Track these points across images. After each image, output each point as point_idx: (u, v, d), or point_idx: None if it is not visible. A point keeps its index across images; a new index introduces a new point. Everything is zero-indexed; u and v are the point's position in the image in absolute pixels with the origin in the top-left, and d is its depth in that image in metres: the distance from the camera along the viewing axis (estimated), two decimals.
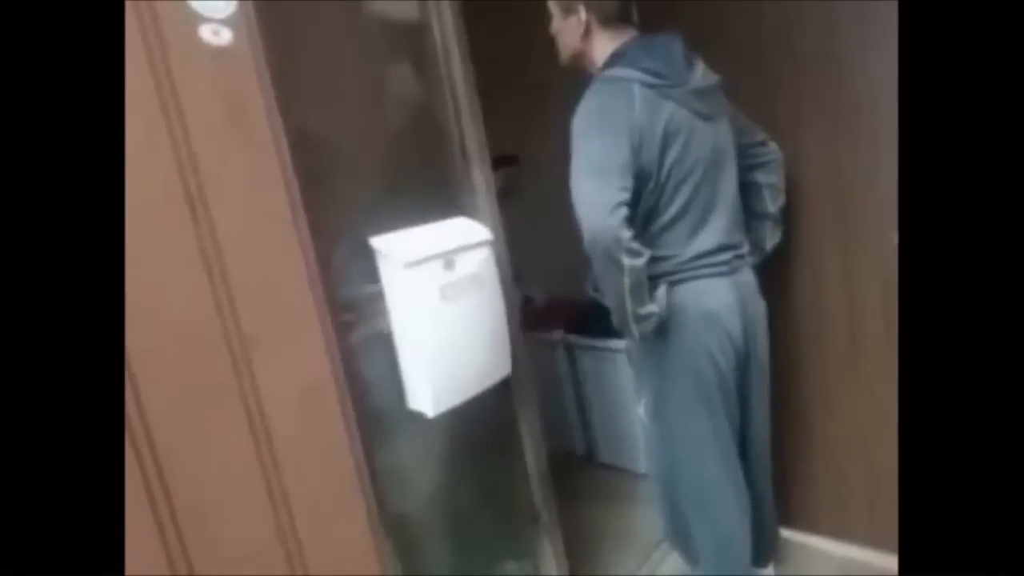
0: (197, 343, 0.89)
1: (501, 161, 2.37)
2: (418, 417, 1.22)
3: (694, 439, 1.41)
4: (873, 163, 1.51)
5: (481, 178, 1.39)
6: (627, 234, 1.20)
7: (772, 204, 1.52)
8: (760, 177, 1.51)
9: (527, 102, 2.44)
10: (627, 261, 1.20)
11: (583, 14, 1.34)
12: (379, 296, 1.19)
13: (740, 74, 1.49)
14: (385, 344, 1.21)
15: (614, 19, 1.35)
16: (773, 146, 1.51)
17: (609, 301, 1.29)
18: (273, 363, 0.96)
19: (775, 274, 1.63)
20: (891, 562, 1.68)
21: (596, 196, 1.20)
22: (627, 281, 1.22)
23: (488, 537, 1.50)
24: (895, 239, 1.42)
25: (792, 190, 1.58)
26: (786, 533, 1.86)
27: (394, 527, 1.18)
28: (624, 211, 1.20)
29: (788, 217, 1.60)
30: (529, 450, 1.51)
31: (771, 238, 1.55)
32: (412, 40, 1.34)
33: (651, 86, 1.26)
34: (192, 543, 0.89)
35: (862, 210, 1.55)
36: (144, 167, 0.83)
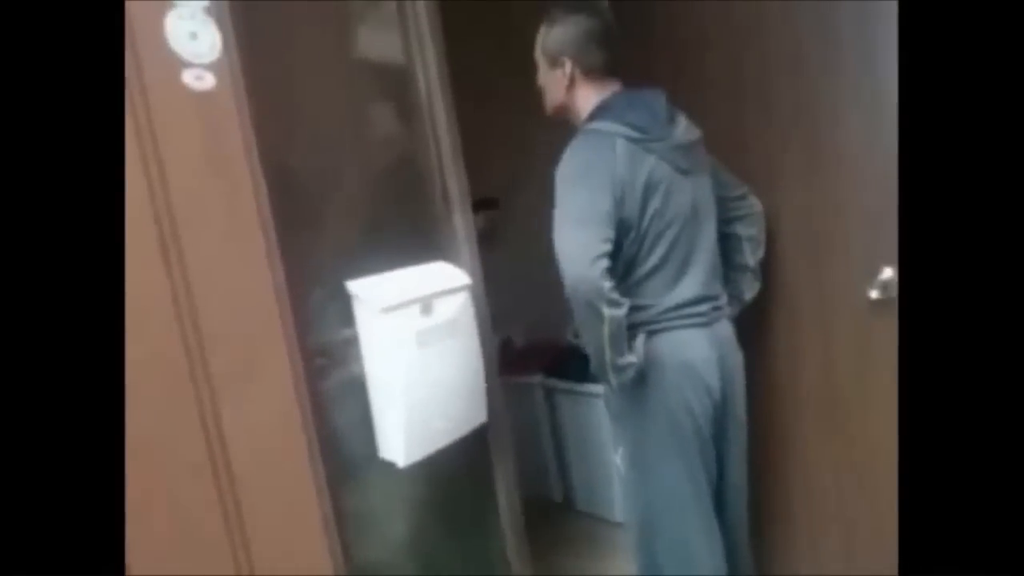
0: (163, 382, 0.87)
1: (482, 204, 2.39)
2: (389, 465, 1.20)
3: (671, 489, 1.40)
4: (847, 219, 1.54)
5: (462, 223, 1.39)
6: (608, 284, 1.21)
7: (751, 256, 1.54)
8: (740, 229, 1.53)
9: (510, 146, 2.48)
10: (607, 311, 1.20)
11: (568, 67, 1.37)
12: (354, 341, 1.18)
13: (718, 129, 1.52)
14: (358, 390, 1.19)
15: (599, 72, 1.38)
16: (753, 200, 1.54)
17: (588, 350, 1.29)
18: (240, 406, 0.94)
19: (752, 324, 1.65)
20: None
21: (578, 246, 1.21)
22: (607, 331, 1.22)
23: None
24: (872, 294, 1.45)
25: (769, 244, 1.60)
26: None
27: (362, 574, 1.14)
28: (605, 262, 1.21)
29: (765, 270, 1.62)
30: (503, 500, 1.48)
31: (749, 290, 1.56)
32: (396, 85, 1.35)
33: (634, 140, 1.28)
34: None
35: (837, 265, 1.58)
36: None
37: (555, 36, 1.38)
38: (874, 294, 1.45)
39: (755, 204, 1.54)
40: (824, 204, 1.57)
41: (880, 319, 1.46)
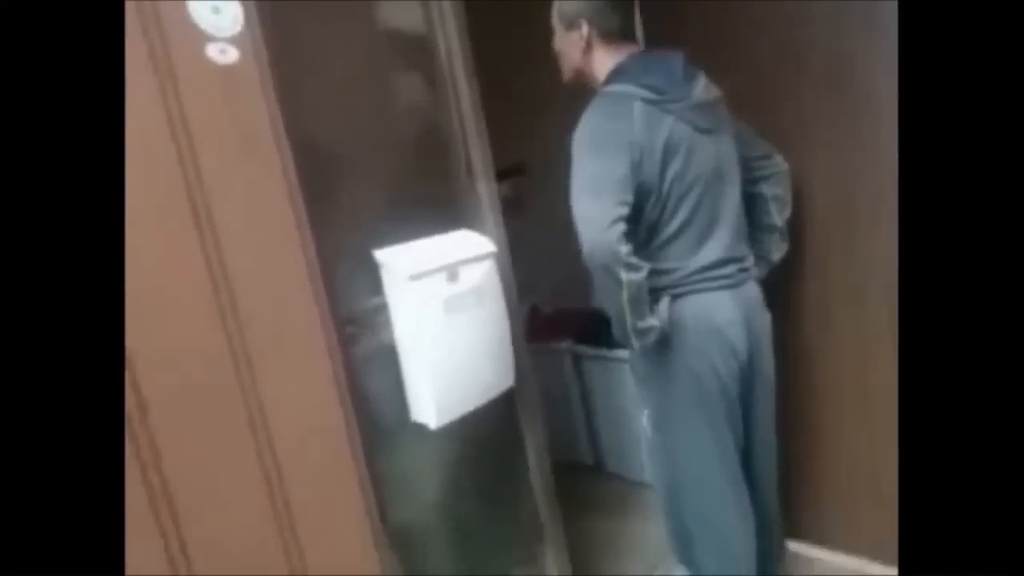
0: (202, 355, 0.91)
1: (509, 171, 2.38)
2: (421, 428, 1.23)
3: (697, 452, 1.41)
4: (879, 178, 1.50)
5: (485, 191, 1.40)
6: (624, 248, 1.21)
7: (779, 216, 1.52)
8: (766, 189, 1.51)
9: (535, 111, 2.45)
10: (625, 275, 1.21)
11: (585, 29, 1.36)
12: (382, 309, 1.21)
13: (747, 87, 1.49)
14: (388, 356, 1.22)
15: (615, 35, 1.37)
16: (778, 158, 1.51)
17: (610, 314, 1.30)
18: (277, 376, 0.98)
19: (784, 290, 1.63)
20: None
21: (593, 212, 1.22)
22: (626, 295, 1.22)
23: (492, 548, 1.50)
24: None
25: (801, 210, 1.57)
26: (794, 546, 1.85)
27: (397, 538, 1.18)
28: (621, 226, 1.21)
29: (796, 236, 1.59)
30: (533, 461, 1.51)
31: (777, 250, 1.55)
32: (418, 54, 1.35)
33: (651, 102, 1.27)
34: (194, 550, 0.90)
35: (870, 226, 1.55)
36: (151, 182, 0.85)
37: (570, 2, 1.38)
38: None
39: (780, 163, 1.51)
40: (855, 163, 1.54)
41: None
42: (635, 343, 1.29)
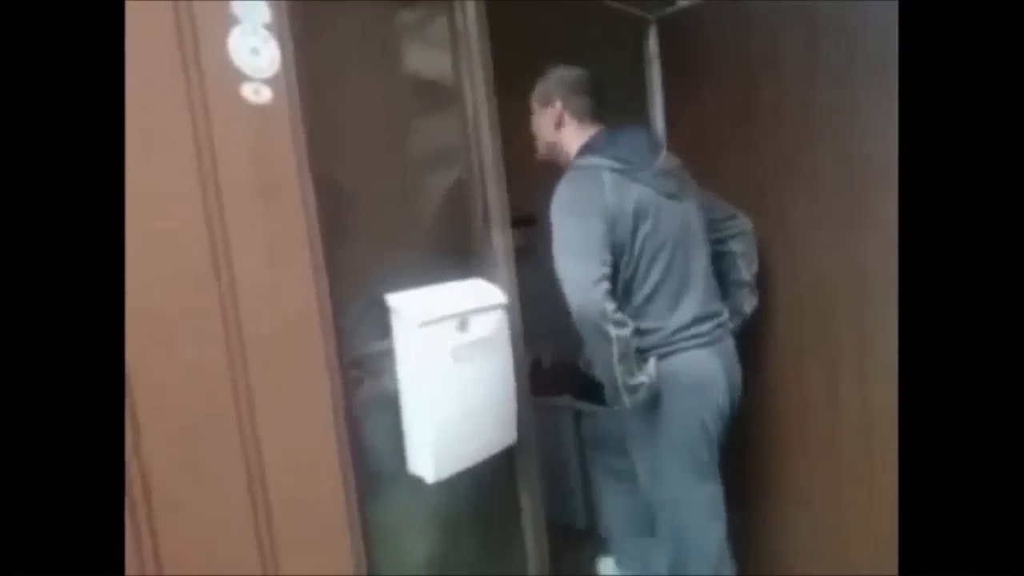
0: (203, 386, 0.89)
1: (520, 221, 2.40)
2: (417, 481, 1.20)
3: (692, 505, 1.45)
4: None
5: (500, 242, 1.40)
6: (611, 306, 1.29)
7: (747, 271, 1.63)
8: (734, 247, 1.63)
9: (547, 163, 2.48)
10: (614, 331, 1.28)
11: (558, 105, 1.52)
12: (387, 354, 1.19)
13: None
14: (390, 403, 1.19)
15: (586, 115, 1.52)
16: (742, 218, 1.64)
17: (600, 374, 1.34)
18: (277, 414, 0.96)
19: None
20: None
21: (578, 273, 1.31)
22: (616, 351, 1.29)
23: None
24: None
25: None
26: None
27: None
28: (606, 284, 1.30)
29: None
30: (528, 522, 1.46)
31: (748, 304, 1.64)
32: (443, 103, 1.37)
33: (619, 171, 1.38)
34: None
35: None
36: (173, 213, 0.85)
37: (548, 82, 1.55)
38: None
39: (745, 222, 1.64)
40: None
41: None
42: (627, 400, 1.33)
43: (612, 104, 1.72)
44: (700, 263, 1.48)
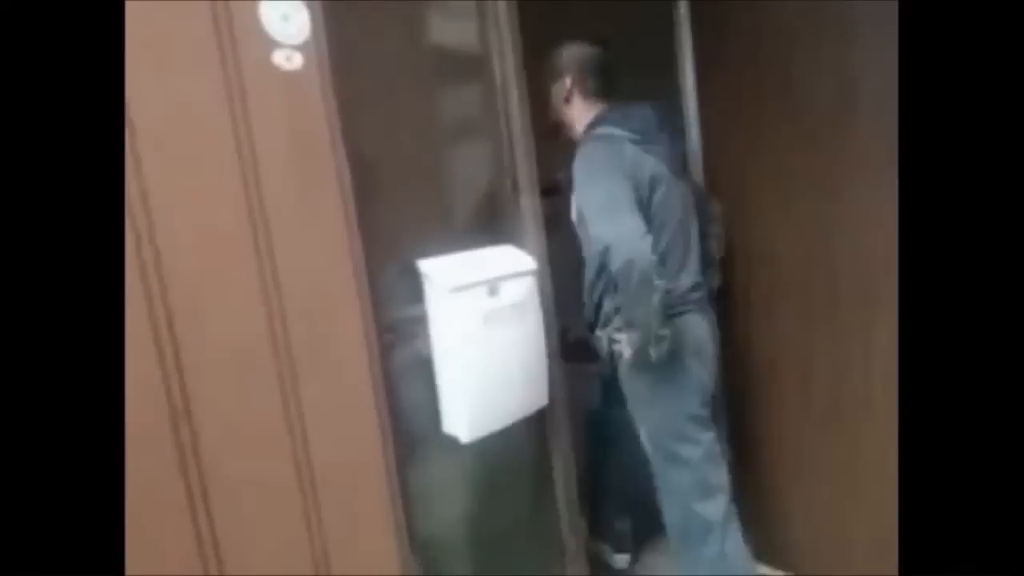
0: (247, 353, 0.92)
1: (550, 190, 2.38)
2: (452, 441, 1.22)
3: (695, 456, 1.50)
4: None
5: (530, 209, 1.40)
6: (655, 257, 1.34)
7: (717, 252, 1.75)
8: (711, 228, 1.72)
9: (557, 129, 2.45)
10: (658, 281, 1.33)
11: (568, 81, 1.54)
12: (420, 319, 1.21)
13: None
14: (423, 367, 1.21)
15: (593, 94, 1.55)
16: (715, 203, 1.75)
17: (636, 327, 1.37)
18: (318, 381, 0.99)
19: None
20: None
21: (624, 227, 1.33)
22: (657, 300, 1.32)
23: (514, 564, 1.48)
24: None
25: None
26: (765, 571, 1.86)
27: (422, 548, 1.17)
28: (650, 237, 1.34)
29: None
30: (560, 481, 1.49)
31: (716, 279, 1.75)
32: (472, 72, 1.37)
33: (635, 142, 1.43)
34: (227, 557, 0.90)
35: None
36: (211, 177, 0.87)
37: (559, 58, 1.56)
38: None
39: (717, 207, 1.75)
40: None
41: None
42: (654, 353, 1.37)
43: (641, 70, 1.71)
44: (695, 236, 1.58)
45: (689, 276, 1.51)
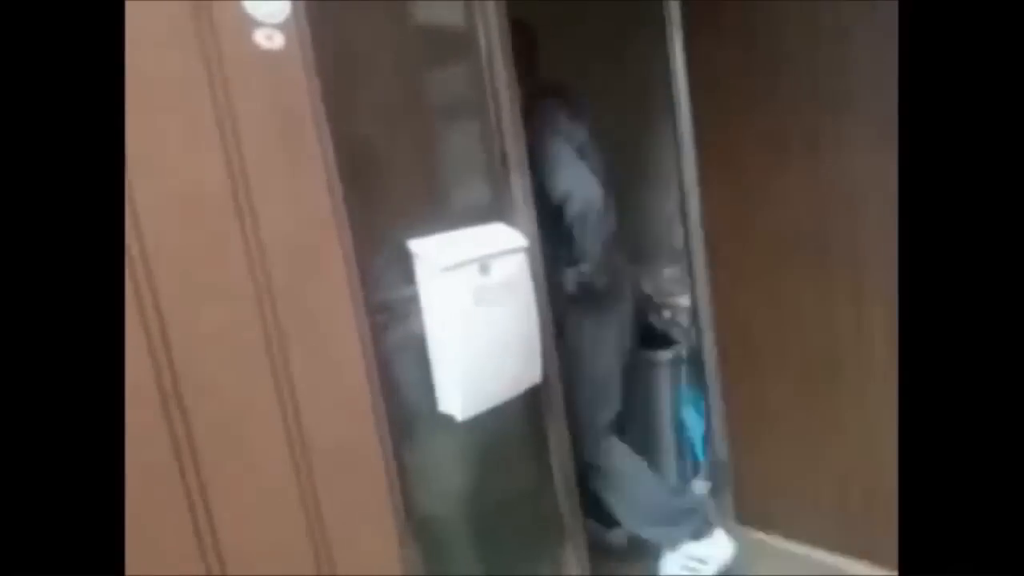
0: (236, 336, 0.92)
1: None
2: (447, 420, 1.23)
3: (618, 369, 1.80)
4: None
5: (520, 186, 1.39)
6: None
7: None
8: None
9: None
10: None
11: None
12: (413, 298, 1.21)
13: None
14: (417, 346, 1.22)
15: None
16: None
17: (594, 252, 1.61)
18: (310, 362, 0.99)
19: None
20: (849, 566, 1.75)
21: (583, 173, 1.59)
22: (608, 230, 1.62)
23: (512, 542, 1.50)
24: None
25: None
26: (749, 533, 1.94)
27: (420, 529, 1.18)
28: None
29: None
30: (556, 458, 1.50)
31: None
32: (457, 47, 1.35)
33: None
34: (225, 542, 0.91)
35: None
36: (194, 166, 0.86)
37: None
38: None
39: None
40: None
41: None
42: (604, 278, 1.66)
43: (629, 54, 1.71)
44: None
45: None
